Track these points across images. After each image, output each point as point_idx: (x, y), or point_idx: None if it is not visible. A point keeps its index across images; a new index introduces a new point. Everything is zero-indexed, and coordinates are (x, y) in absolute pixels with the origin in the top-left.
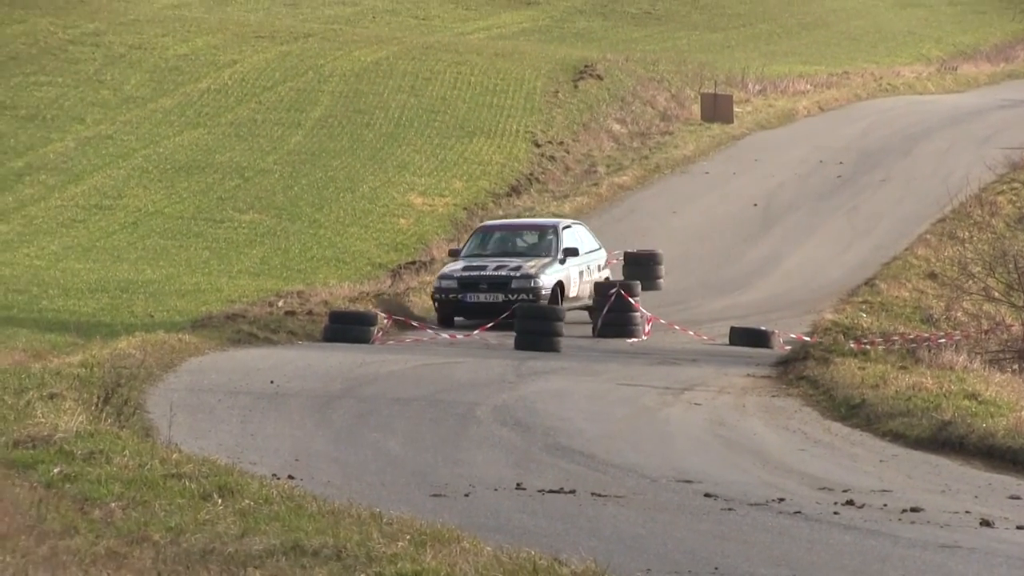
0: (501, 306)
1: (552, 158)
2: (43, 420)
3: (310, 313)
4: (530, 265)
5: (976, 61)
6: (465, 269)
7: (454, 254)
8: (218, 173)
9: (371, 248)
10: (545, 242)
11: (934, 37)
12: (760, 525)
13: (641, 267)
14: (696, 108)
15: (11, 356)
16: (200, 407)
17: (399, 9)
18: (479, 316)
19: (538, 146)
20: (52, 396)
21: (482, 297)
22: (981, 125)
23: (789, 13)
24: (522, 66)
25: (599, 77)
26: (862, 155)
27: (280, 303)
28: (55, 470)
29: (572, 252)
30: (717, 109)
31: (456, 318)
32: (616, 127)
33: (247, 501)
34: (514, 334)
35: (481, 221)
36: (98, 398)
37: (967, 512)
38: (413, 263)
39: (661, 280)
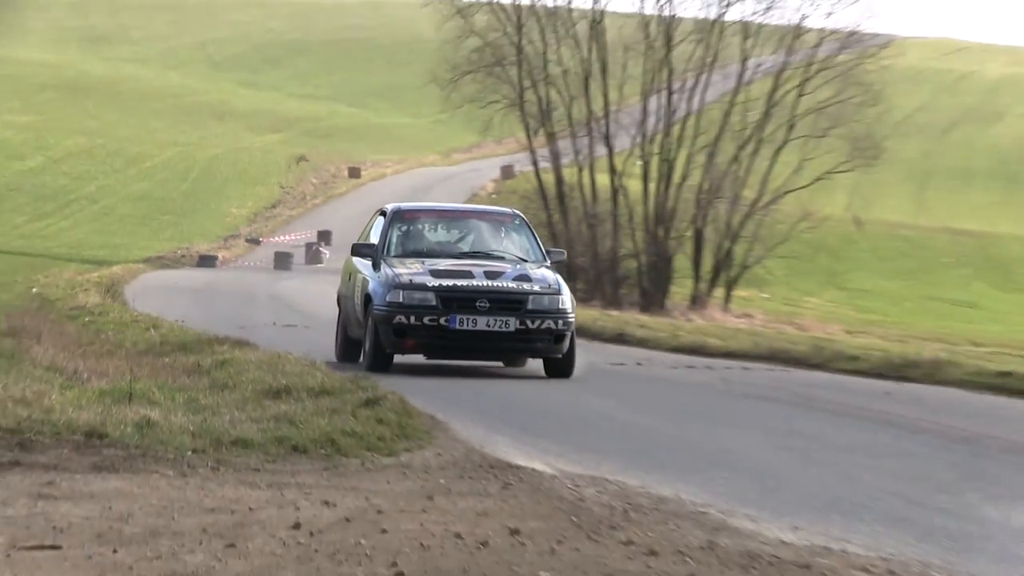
0: (511, 338)
1: None
2: (81, 298)
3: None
4: (538, 273)
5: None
6: (436, 275)
7: (364, 252)
8: None
9: None
10: (511, 240)
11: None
12: None
13: None
14: None
15: (66, 273)
16: (145, 294)
17: None
18: (474, 352)
19: None
20: (85, 289)
21: (481, 323)
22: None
23: None
24: None
25: None
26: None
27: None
28: (86, 318)
29: (558, 255)
30: None
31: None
32: None
33: (164, 329)
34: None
35: None
36: (105, 289)
37: None
38: None
39: None
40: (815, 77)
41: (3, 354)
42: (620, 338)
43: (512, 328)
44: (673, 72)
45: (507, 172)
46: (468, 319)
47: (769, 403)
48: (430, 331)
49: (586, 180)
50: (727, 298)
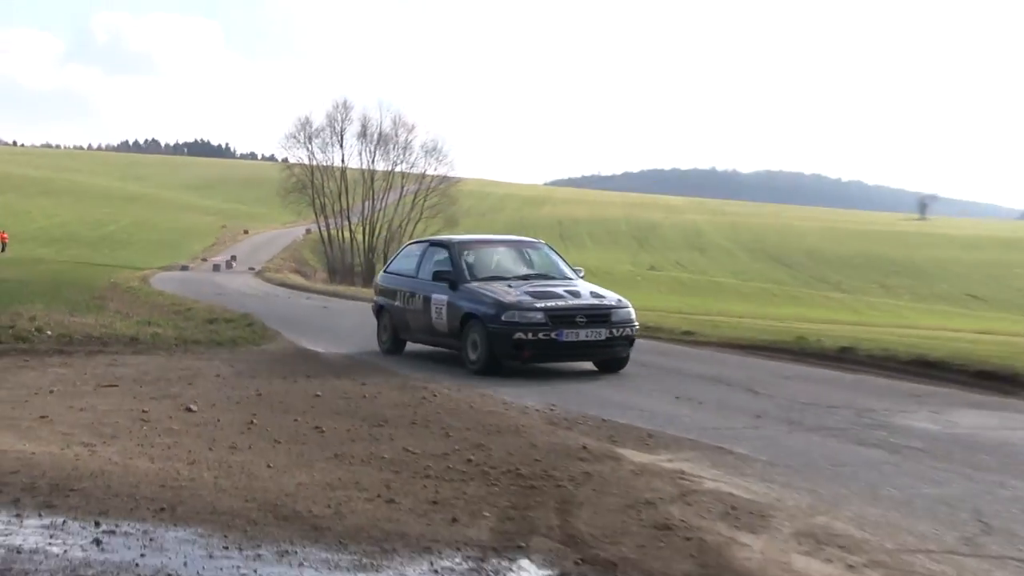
0: (602, 345)
1: None
2: (131, 284)
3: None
4: (601, 290)
5: (294, 223)
6: (536, 297)
7: (443, 276)
8: None
9: None
10: (549, 261)
11: (281, 218)
12: None
13: None
14: None
15: (125, 273)
16: (159, 281)
17: None
18: (574, 357)
19: None
20: (133, 280)
21: (582, 334)
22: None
23: None
24: None
25: None
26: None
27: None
28: (133, 292)
29: (580, 271)
30: None
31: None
32: None
33: (166, 296)
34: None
35: None
36: (141, 279)
37: None
38: None
39: None
40: (431, 193)
41: (96, 307)
42: (354, 297)
43: (603, 337)
44: (374, 192)
45: (309, 231)
46: (572, 332)
47: None
48: (543, 344)
49: (341, 235)
50: None
